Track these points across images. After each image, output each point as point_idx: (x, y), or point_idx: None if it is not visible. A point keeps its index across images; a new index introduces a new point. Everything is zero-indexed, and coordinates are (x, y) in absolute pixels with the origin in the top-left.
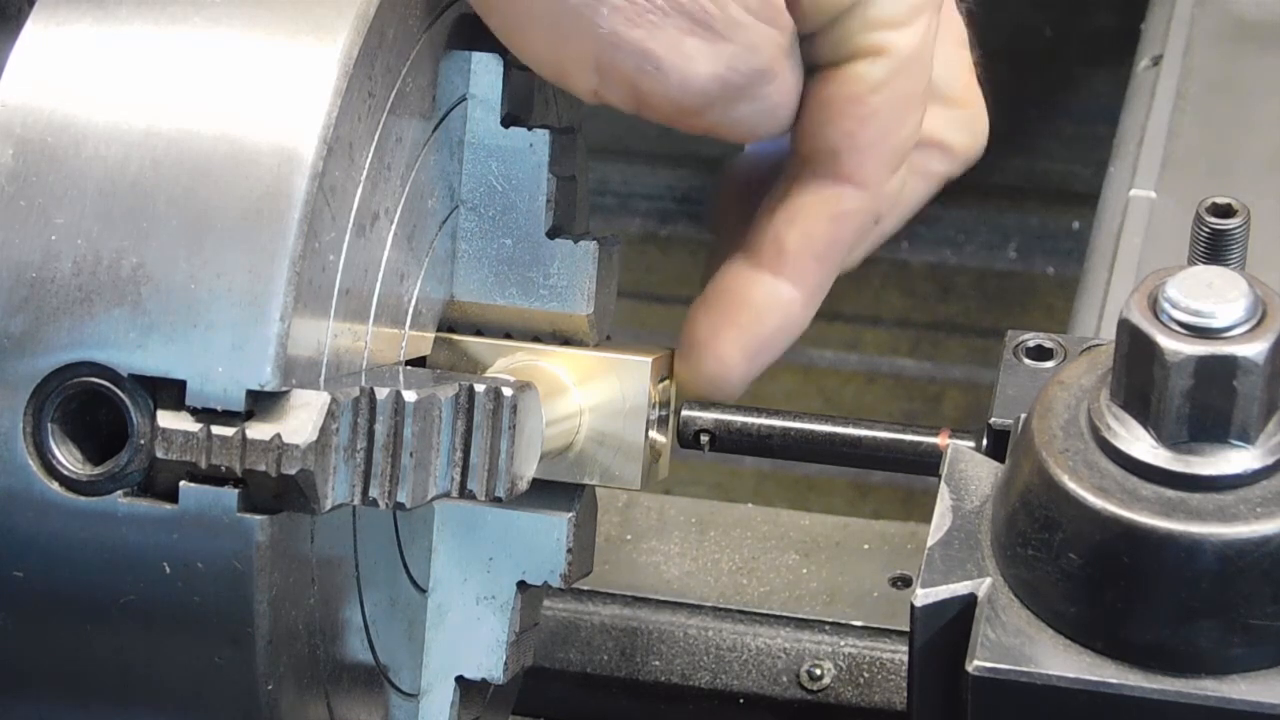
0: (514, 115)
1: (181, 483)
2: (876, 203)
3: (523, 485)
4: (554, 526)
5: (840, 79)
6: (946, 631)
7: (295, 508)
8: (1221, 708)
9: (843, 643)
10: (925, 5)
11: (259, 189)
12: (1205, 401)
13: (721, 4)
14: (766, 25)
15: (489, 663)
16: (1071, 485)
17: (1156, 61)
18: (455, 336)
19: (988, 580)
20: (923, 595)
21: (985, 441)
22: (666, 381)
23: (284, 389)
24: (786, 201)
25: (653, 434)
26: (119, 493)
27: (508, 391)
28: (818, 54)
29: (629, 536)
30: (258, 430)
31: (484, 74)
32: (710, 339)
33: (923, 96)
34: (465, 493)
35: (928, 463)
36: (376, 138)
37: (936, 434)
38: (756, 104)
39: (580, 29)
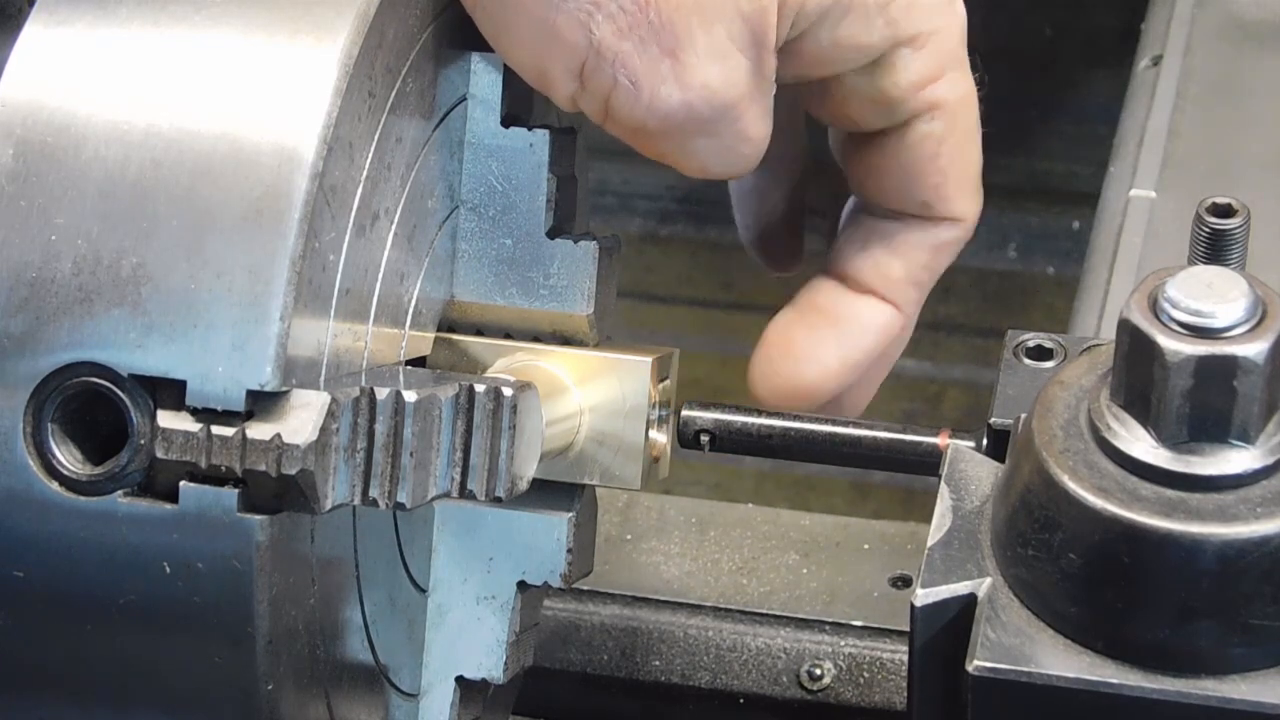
0: (514, 115)
1: (181, 483)
2: (970, 226)
3: (523, 485)
4: (554, 526)
5: (907, 143)
6: (946, 631)
7: (295, 508)
8: (1221, 708)
9: (843, 643)
10: (955, 45)
11: (259, 189)
12: (1205, 401)
13: (709, 29)
14: (748, 62)
15: (489, 663)
16: (1071, 485)
17: (1156, 61)
18: (455, 336)
19: (988, 580)
20: (923, 595)
21: (985, 441)
22: (666, 381)
23: (284, 389)
24: (884, 237)
25: (653, 434)
26: (119, 493)
27: (508, 391)
28: (867, 120)
29: (629, 536)
30: (258, 430)
31: (484, 74)
32: (812, 349)
33: (979, 123)
34: (465, 493)
35: (928, 463)
36: (376, 138)
37: (936, 434)
38: (715, 141)
39: (571, 33)
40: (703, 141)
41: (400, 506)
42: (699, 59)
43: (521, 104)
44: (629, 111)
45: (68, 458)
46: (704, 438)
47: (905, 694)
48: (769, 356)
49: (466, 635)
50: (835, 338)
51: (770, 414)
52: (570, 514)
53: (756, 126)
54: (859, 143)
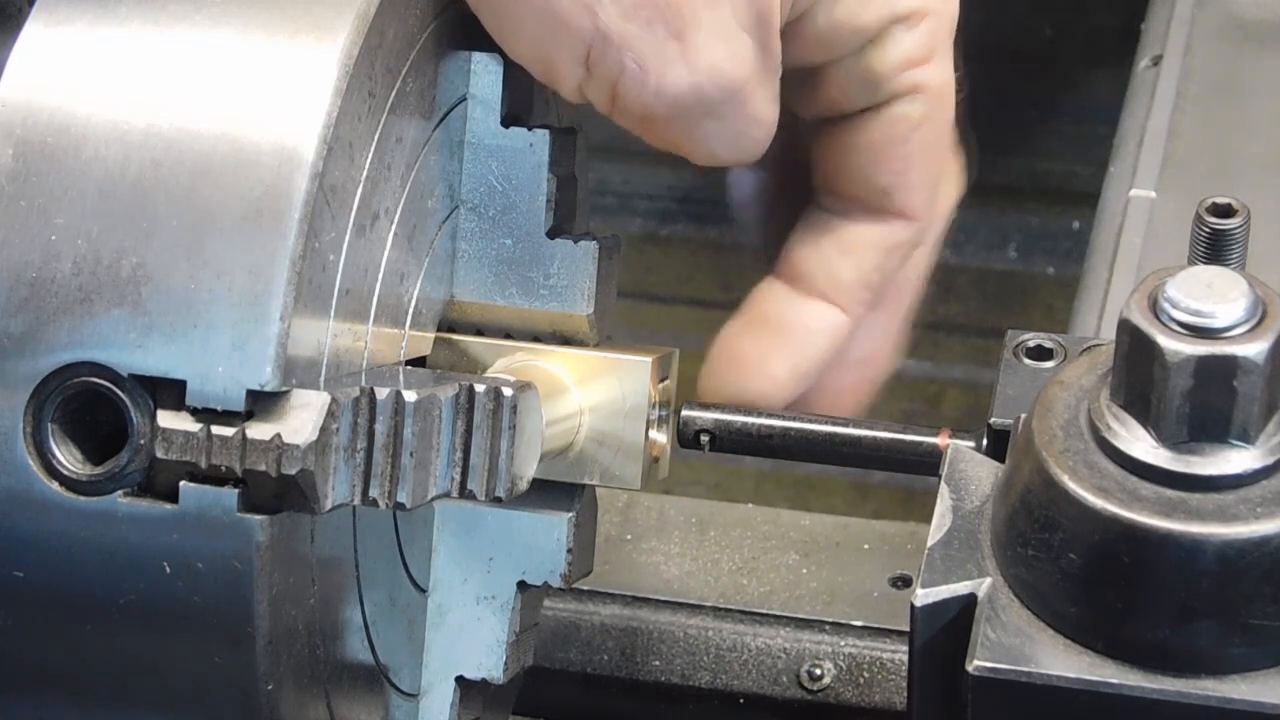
0: (514, 115)
1: (181, 483)
2: (924, 230)
3: (523, 485)
4: (554, 526)
5: (882, 122)
6: (946, 631)
7: (295, 508)
8: (1221, 708)
9: (843, 643)
10: (945, 33)
11: (259, 189)
12: (1205, 401)
13: (714, 9)
14: (754, 43)
15: (489, 663)
16: (1071, 485)
17: (1156, 61)
18: (455, 336)
19: (988, 580)
20: (923, 595)
21: (985, 441)
22: (667, 381)
23: (284, 389)
24: (836, 235)
25: (653, 434)
26: (119, 493)
27: (508, 391)
28: (849, 100)
29: (629, 536)
30: (258, 430)
31: (484, 74)
32: (760, 359)
33: (952, 122)
34: (465, 493)
35: (928, 463)
36: (376, 138)
37: (936, 434)
38: (723, 124)
39: (576, 19)
40: (711, 125)
41: (400, 506)
42: (705, 40)
43: (522, 104)
44: (637, 96)
45: (68, 458)
46: (704, 438)
47: (905, 694)
48: (717, 370)
49: (466, 635)
50: (783, 348)
51: (770, 414)
52: (570, 514)
53: (764, 109)
54: (830, 123)
